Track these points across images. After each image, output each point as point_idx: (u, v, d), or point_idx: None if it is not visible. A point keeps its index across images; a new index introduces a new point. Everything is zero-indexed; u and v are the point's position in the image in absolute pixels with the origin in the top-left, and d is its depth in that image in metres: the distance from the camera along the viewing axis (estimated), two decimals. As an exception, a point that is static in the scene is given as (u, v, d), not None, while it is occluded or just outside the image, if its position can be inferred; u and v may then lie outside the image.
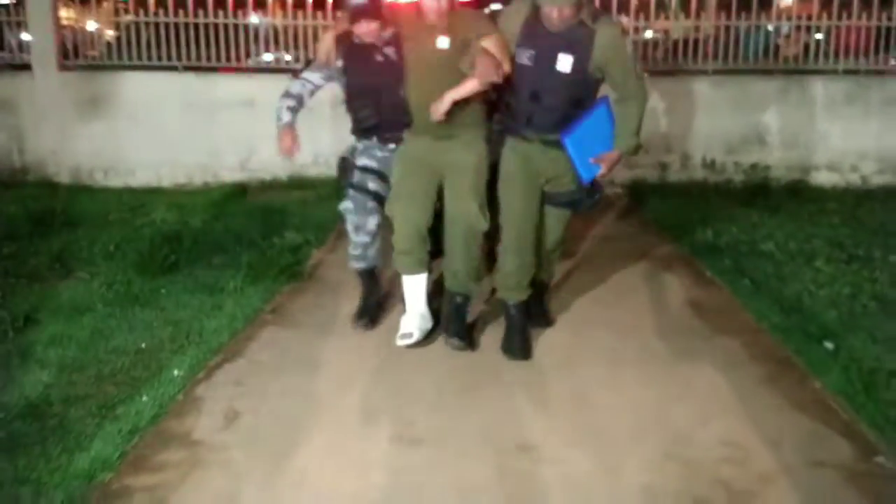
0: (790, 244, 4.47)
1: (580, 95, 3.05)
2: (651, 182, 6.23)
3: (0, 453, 2.39)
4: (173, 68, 6.41)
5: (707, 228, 4.85)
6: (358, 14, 3.14)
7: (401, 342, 3.22)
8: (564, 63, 2.97)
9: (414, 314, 3.30)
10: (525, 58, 3.01)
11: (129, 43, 6.53)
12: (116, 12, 6.95)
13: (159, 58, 6.41)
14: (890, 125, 6.17)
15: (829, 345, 3.17)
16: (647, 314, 3.67)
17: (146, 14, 6.45)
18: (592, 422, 2.68)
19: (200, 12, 6.40)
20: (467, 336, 3.32)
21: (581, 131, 3.02)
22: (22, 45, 6.60)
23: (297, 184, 6.33)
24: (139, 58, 6.47)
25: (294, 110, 3.28)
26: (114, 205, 5.59)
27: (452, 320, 3.32)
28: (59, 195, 5.75)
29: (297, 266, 4.19)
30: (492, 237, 3.38)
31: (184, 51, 6.41)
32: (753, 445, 2.52)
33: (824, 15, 6.21)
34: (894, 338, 3.23)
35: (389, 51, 3.21)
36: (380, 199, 3.36)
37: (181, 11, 6.40)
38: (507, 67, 2.97)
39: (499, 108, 3.24)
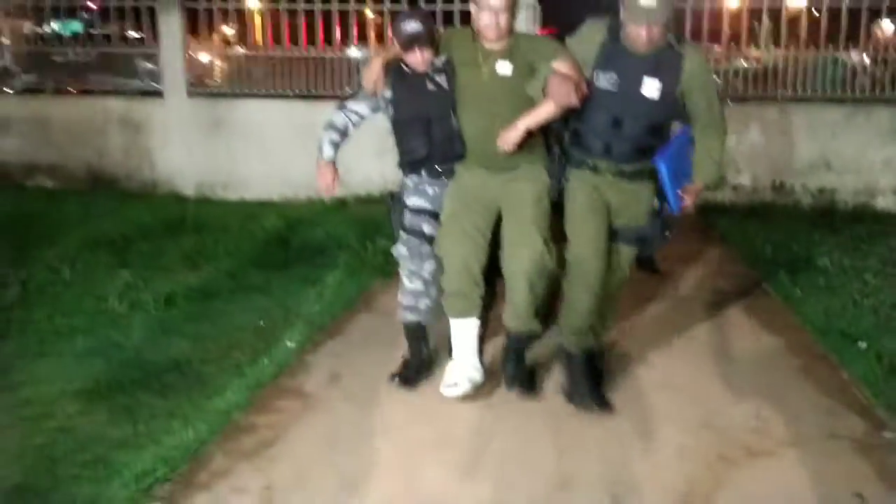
0: (844, 260, 4.75)
1: (661, 123, 2.89)
2: (721, 201, 6.53)
3: (156, 395, 3.05)
4: (285, 96, 7.19)
5: (768, 244, 5.17)
6: (411, 41, 2.89)
7: (447, 392, 2.99)
8: (651, 88, 2.78)
9: (462, 363, 3.04)
10: (606, 82, 2.80)
11: (248, 73, 7.38)
12: (235, 43, 7.82)
13: (273, 87, 7.20)
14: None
15: (862, 344, 3.49)
16: (699, 313, 4.06)
17: (265, 49, 7.28)
18: (636, 389, 3.13)
19: (311, 48, 7.17)
20: (529, 381, 3.14)
21: (671, 157, 2.87)
22: (149, 74, 7.53)
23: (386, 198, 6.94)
24: (255, 87, 7.28)
25: (336, 145, 3.09)
26: (231, 214, 6.35)
27: (511, 363, 3.12)
28: (185, 205, 6.57)
29: (386, 266, 4.77)
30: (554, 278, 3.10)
31: (293, 81, 7.18)
32: (777, 419, 2.91)
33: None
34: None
35: (441, 79, 2.97)
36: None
37: (293, 46, 7.20)
38: (584, 90, 2.76)
39: (550, 139, 3.06)
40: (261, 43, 7.40)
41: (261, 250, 4.99)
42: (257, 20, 8.10)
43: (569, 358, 3.09)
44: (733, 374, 3.32)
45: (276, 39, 7.29)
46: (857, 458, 2.66)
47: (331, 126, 3.09)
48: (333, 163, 3.10)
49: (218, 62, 7.75)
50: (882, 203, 6.39)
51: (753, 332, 3.80)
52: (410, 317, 3.19)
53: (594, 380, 3.06)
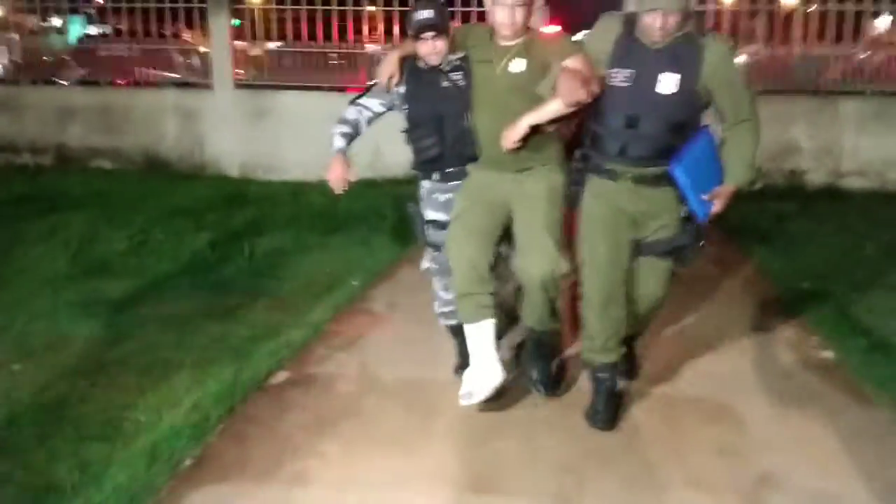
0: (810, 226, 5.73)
1: (682, 121, 2.69)
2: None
3: (262, 312, 4.00)
4: (320, 88, 8.12)
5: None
6: (423, 28, 2.80)
7: (463, 402, 2.90)
8: (669, 82, 2.62)
9: (480, 369, 2.91)
10: (620, 79, 2.67)
11: (287, 67, 8.33)
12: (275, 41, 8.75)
13: (309, 80, 8.14)
14: None
15: (805, 285, 4.46)
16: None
17: (302, 45, 8.24)
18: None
19: (342, 44, 8.11)
20: (552, 377, 3.16)
21: (689, 161, 2.67)
22: (187, 67, 8.49)
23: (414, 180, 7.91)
24: (293, 80, 8.22)
25: (348, 137, 2.98)
26: (278, 191, 7.28)
27: (533, 361, 3.14)
28: (237, 184, 7.51)
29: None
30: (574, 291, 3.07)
31: (327, 74, 8.12)
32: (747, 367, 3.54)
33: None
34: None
35: (457, 76, 2.89)
36: None
37: (326, 42, 8.15)
38: (595, 87, 2.65)
39: (575, 144, 2.93)
40: (298, 40, 8.31)
41: (313, 218, 5.92)
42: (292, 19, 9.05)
43: (590, 372, 3.02)
44: (714, 314, 4.23)
45: (311, 36, 8.23)
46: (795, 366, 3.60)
47: (342, 120, 3.00)
48: (345, 154, 2.96)
49: (260, 57, 8.68)
50: (846, 183, 7.32)
51: (723, 282, 4.74)
52: (451, 321, 3.20)
53: (611, 398, 2.95)
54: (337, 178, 2.93)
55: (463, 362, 3.18)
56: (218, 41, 8.12)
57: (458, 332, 3.16)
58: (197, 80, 8.35)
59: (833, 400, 3.14)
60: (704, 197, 2.70)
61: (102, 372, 3.27)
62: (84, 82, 8.67)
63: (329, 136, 2.99)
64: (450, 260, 2.91)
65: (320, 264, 4.88)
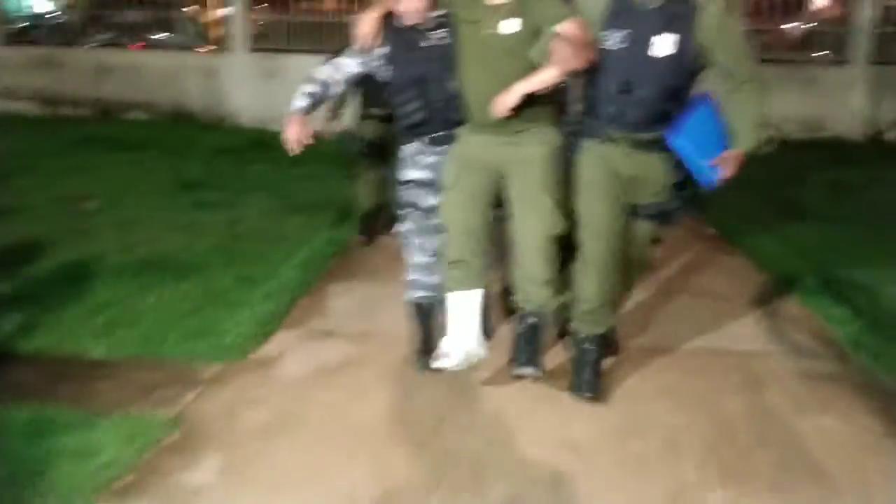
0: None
1: (679, 85, 2.65)
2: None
3: (316, 208, 5.65)
4: (323, 52, 9.65)
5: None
6: None
7: (436, 364, 2.86)
8: (664, 44, 2.56)
9: (459, 334, 2.84)
10: (614, 41, 2.61)
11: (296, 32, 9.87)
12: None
13: (314, 44, 9.70)
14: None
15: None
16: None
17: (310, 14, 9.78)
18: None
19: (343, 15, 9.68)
20: (541, 363, 2.99)
21: (689, 129, 2.63)
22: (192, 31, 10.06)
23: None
24: (301, 44, 9.76)
25: (313, 96, 2.84)
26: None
27: (525, 346, 2.95)
28: (254, 133, 9.05)
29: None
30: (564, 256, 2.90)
31: (330, 39, 9.68)
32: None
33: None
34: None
35: (439, 35, 2.78)
36: None
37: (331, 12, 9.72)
38: (590, 54, 2.58)
39: (566, 108, 2.91)
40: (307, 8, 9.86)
41: (332, 156, 7.56)
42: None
43: (576, 341, 2.96)
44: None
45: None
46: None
47: (309, 79, 2.87)
48: (303, 114, 2.84)
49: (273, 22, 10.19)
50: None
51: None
52: (420, 293, 3.06)
53: (597, 368, 2.92)
54: (292, 138, 2.82)
55: (425, 347, 3.10)
56: (235, 7, 9.60)
57: (423, 312, 3.10)
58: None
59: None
60: (711, 163, 2.64)
61: (240, 238, 4.89)
62: (104, 45, 10.11)
63: (293, 94, 2.88)
64: (445, 226, 2.85)
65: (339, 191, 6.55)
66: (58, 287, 3.88)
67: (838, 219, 5.35)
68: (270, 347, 3.39)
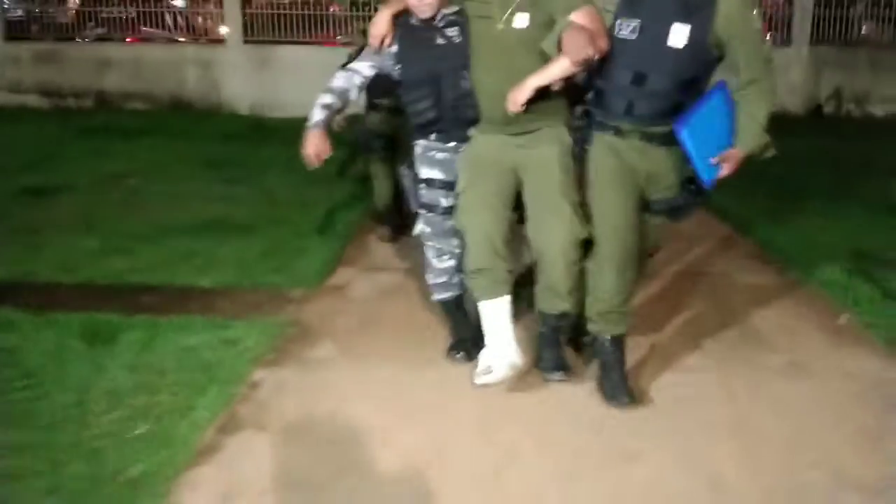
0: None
1: (693, 77, 2.58)
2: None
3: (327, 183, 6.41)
4: (313, 43, 10.37)
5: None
6: None
7: (480, 380, 2.87)
8: (679, 34, 2.49)
9: (498, 347, 2.85)
10: (627, 31, 2.56)
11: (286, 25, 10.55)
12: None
13: (304, 36, 10.40)
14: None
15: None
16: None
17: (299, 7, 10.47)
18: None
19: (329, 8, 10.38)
20: (568, 366, 2.99)
21: (696, 122, 2.55)
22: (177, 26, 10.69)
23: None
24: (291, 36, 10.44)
25: (331, 108, 2.82)
26: (287, 125, 9.48)
27: (549, 349, 2.97)
28: (250, 119, 9.74)
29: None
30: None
31: (319, 31, 10.38)
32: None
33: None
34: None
35: (452, 32, 2.78)
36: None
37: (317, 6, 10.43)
38: (603, 44, 2.53)
39: (578, 99, 2.84)
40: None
41: (336, 136, 8.30)
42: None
43: (598, 345, 2.89)
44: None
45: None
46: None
47: (328, 90, 2.85)
48: (322, 128, 2.79)
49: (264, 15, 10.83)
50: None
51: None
52: (445, 294, 3.10)
53: (623, 371, 2.86)
54: (312, 154, 2.78)
55: (458, 342, 3.15)
56: (230, 5, 10.24)
57: (451, 307, 3.15)
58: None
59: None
60: (711, 161, 2.60)
61: (277, 204, 5.64)
62: (98, 39, 10.67)
63: (312, 106, 2.83)
64: (464, 233, 2.85)
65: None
66: (141, 242, 4.61)
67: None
68: (337, 279, 4.22)
